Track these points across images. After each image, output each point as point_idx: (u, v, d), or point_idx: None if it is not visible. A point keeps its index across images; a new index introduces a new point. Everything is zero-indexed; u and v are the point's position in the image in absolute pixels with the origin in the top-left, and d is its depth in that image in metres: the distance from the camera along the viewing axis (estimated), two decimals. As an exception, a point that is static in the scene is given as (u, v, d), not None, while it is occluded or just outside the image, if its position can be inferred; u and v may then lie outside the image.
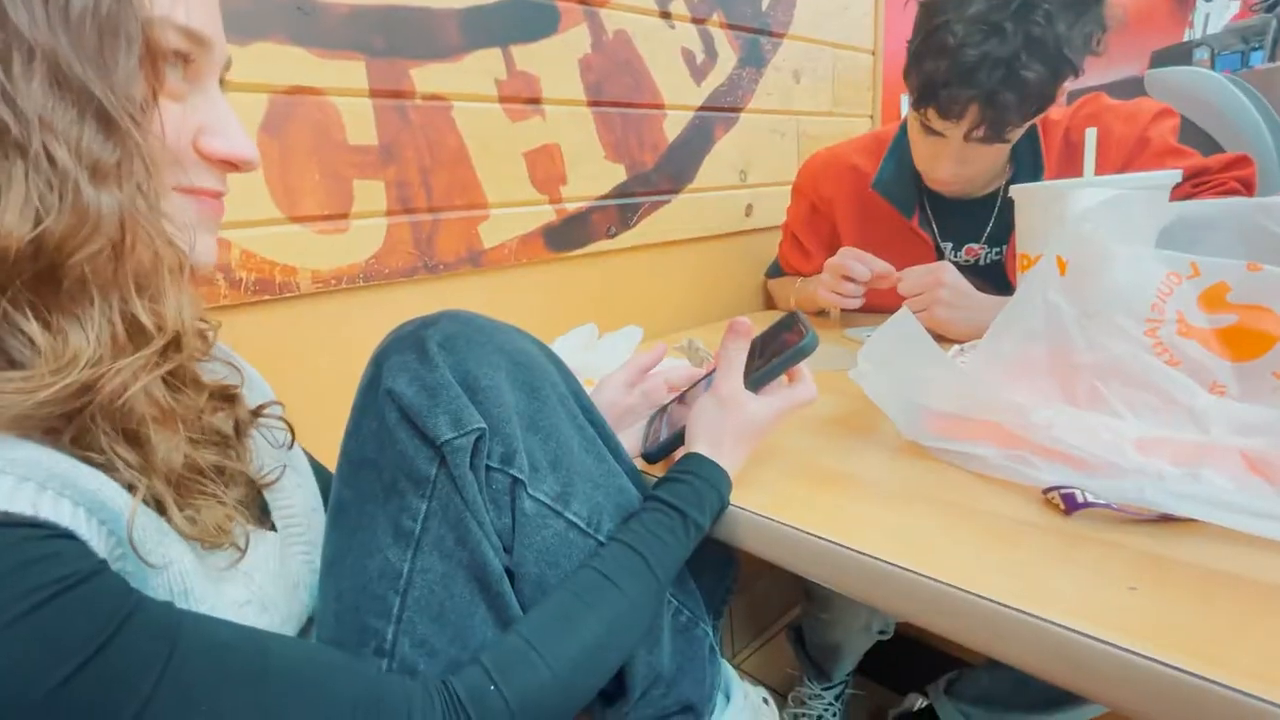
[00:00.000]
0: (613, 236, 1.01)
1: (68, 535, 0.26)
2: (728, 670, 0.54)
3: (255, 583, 0.35)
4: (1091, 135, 0.63)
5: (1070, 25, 0.68)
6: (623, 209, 1.02)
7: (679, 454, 0.49)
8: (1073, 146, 0.83)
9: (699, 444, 0.48)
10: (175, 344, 0.31)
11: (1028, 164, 0.85)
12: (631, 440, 0.56)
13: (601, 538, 0.43)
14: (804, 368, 0.52)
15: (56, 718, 0.23)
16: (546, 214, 0.92)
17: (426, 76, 0.78)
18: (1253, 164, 0.79)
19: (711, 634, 0.51)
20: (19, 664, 0.23)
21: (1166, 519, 0.37)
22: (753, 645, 1.25)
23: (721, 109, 1.13)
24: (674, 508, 0.43)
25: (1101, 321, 0.49)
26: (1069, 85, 0.74)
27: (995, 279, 0.90)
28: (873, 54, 1.42)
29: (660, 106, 1.05)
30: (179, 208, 0.33)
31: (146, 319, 0.30)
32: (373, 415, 0.40)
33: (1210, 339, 0.47)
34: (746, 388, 0.49)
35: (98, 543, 0.27)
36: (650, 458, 0.54)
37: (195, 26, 0.32)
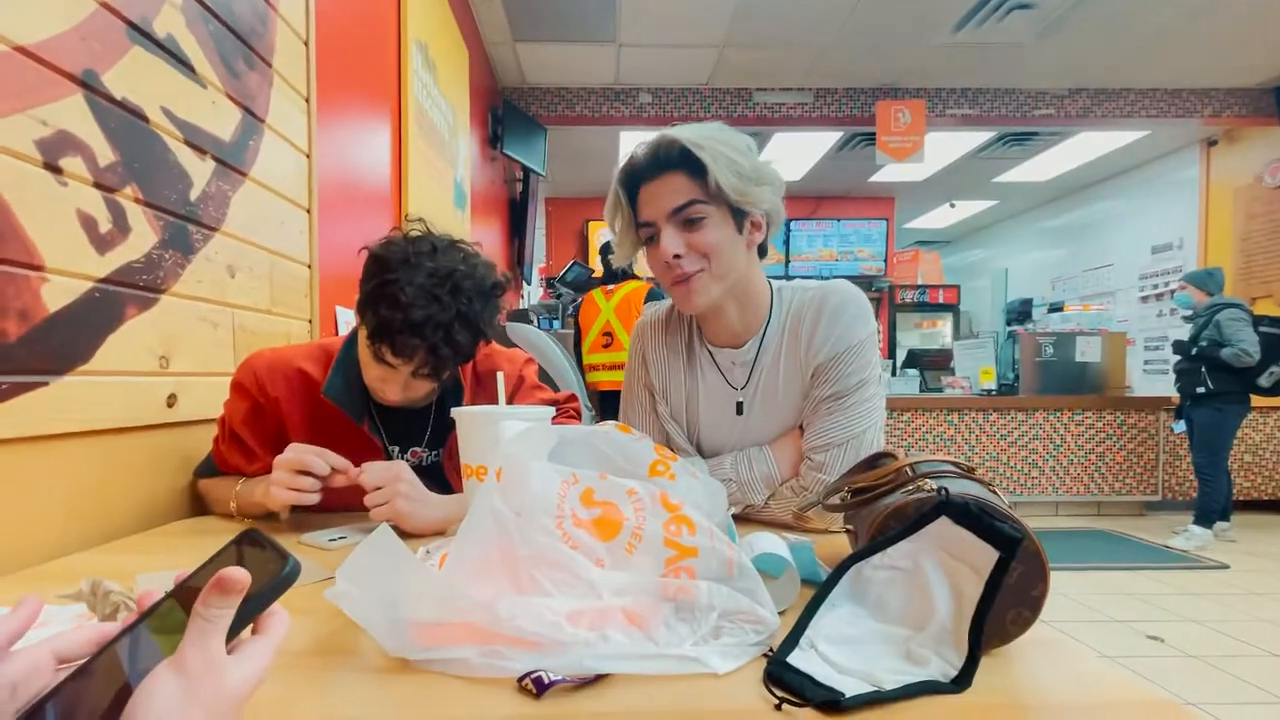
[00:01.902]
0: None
1: None
2: None
3: None
4: (500, 377, 0.86)
5: (483, 308, 0.93)
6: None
7: None
8: (480, 377, 1.09)
9: None
10: None
11: (452, 387, 1.06)
12: None
13: None
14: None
15: None
16: None
17: None
18: (578, 399, 1.20)
19: None
20: None
21: (600, 677, 0.50)
22: None
23: (135, 286, 0.97)
24: None
25: (528, 520, 0.65)
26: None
27: (437, 478, 1.03)
28: (309, 267, 1.49)
29: (38, 268, 0.83)
30: None
31: None
32: None
33: (590, 526, 0.68)
34: None
35: None
36: None
37: None
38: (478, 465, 0.79)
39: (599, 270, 3.66)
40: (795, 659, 0.52)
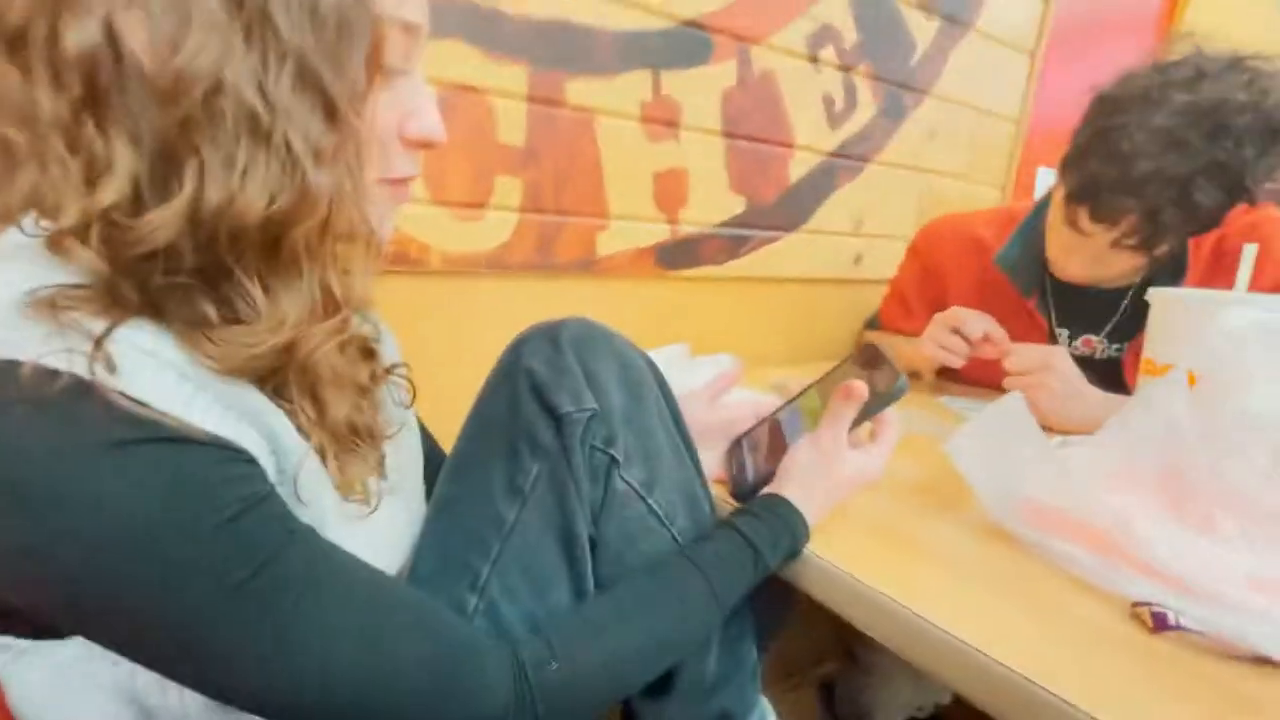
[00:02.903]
0: (720, 264, 1.04)
1: (252, 460, 0.30)
2: (764, 703, 0.55)
3: (374, 527, 0.39)
4: (1251, 251, 0.60)
5: (1260, 154, 0.66)
6: (735, 239, 1.04)
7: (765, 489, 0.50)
8: (1223, 255, 0.78)
9: (789, 488, 0.49)
10: (351, 316, 0.34)
11: (1168, 266, 0.81)
12: (708, 461, 0.58)
13: (674, 531, 0.47)
14: (889, 410, 0.52)
15: (230, 611, 0.27)
16: (662, 233, 0.96)
17: (579, 89, 0.83)
18: None
19: (756, 655, 0.53)
20: (218, 563, 0.27)
21: (1264, 661, 0.35)
22: (776, 693, 1.23)
23: (850, 157, 1.14)
24: (750, 543, 0.45)
25: (1230, 447, 0.47)
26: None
27: (1110, 376, 0.85)
28: (1015, 123, 1.38)
29: (790, 145, 1.06)
30: (380, 198, 0.36)
31: (338, 290, 0.33)
32: (508, 386, 0.45)
33: (1355, 487, 0.44)
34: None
35: (269, 469, 0.31)
36: (743, 495, 0.54)
37: (414, 20, 0.34)
38: (1164, 365, 0.61)
39: None
40: None
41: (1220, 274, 0.78)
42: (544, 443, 0.44)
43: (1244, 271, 0.61)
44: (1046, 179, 1.47)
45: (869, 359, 0.54)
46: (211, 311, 0.29)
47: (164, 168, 0.28)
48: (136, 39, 0.27)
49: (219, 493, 0.27)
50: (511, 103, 0.79)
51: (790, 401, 0.58)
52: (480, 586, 0.42)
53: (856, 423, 0.50)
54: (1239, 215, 0.80)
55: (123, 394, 0.26)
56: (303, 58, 0.28)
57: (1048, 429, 0.76)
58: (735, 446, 0.60)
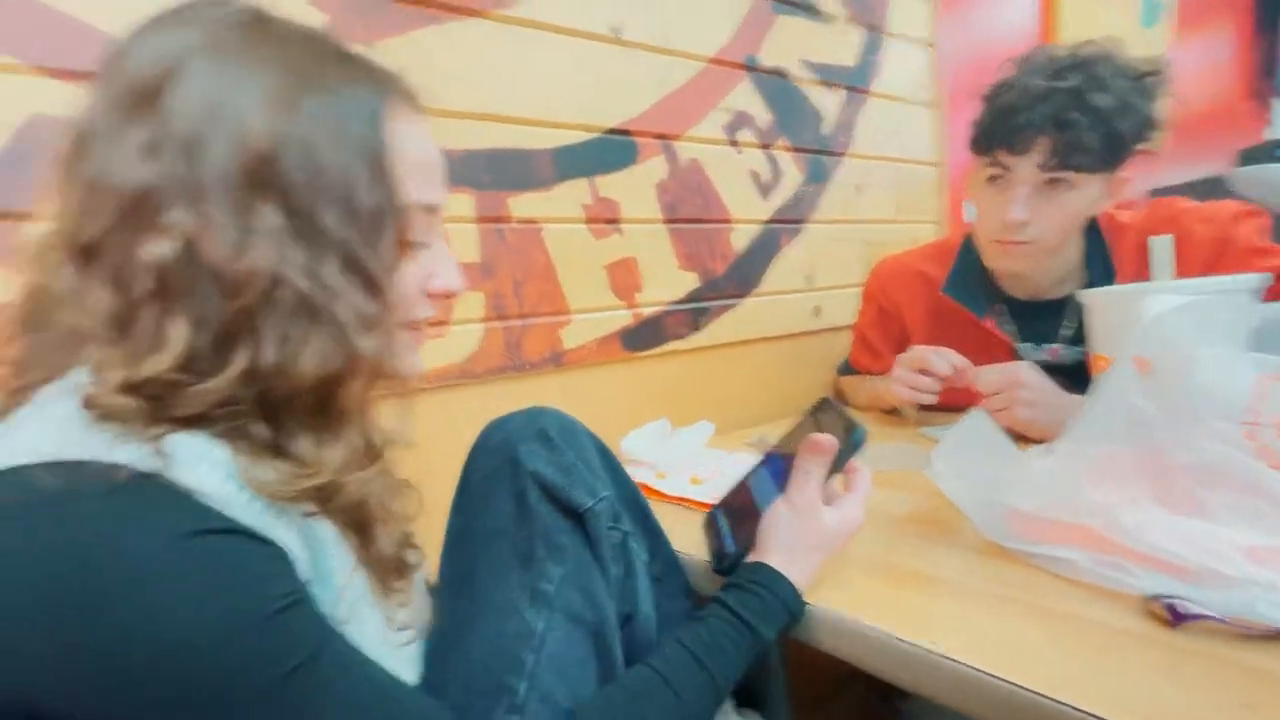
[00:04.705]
0: (684, 338, 1.07)
1: (285, 556, 0.31)
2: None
3: (406, 656, 0.40)
4: (1167, 242, 0.64)
5: (1129, 87, 0.75)
6: (694, 312, 1.08)
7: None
8: (1146, 250, 0.83)
9: (772, 555, 0.48)
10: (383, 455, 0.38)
11: (1099, 269, 0.86)
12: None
13: (656, 573, 0.52)
14: (856, 459, 0.52)
15: (270, 702, 0.28)
16: (624, 318, 0.99)
17: (522, 204, 0.88)
18: None
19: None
20: (267, 653, 0.28)
21: (1281, 632, 0.35)
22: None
23: (787, 221, 1.20)
24: (742, 620, 0.44)
25: (1193, 423, 0.48)
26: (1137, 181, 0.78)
27: (1079, 378, 0.87)
28: (937, 166, 1.48)
29: (729, 221, 1.12)
30: (404, 339, 0.40)
31: (377, 438, 0.37)
32: (508, 494, 0.46)
33: (1316, 443, 0.46)
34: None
35: (301, 566, 0.32)
36: (726, 567, 0.52)
37: (434, 201, 0.39)
38: (1112, 356, 0.64)
39: None
40: None
41: (1146, 271, 0.82)
42: (563, 543, 0.45)
43: (1163, 260, 0.64)
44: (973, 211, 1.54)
45: (825, 412, 0.54)
46: (263, 433, 0.32)
47: (221, 343, 0.32)
48: (208, 248, 0.31)
49: (269, 585, 0.29)
50: (462, 225, 0.83)
51: (758, 465, 0.58)
52: (519, 704, 0.41)
53: (830, 475, 0.50)
54: (1154, 211, 0.86)
55: (176, 483, 0.28)
56: (347, 247, 0.33)
57: (1032, 439, 0.77)
58: (712, 517, 0.58)
